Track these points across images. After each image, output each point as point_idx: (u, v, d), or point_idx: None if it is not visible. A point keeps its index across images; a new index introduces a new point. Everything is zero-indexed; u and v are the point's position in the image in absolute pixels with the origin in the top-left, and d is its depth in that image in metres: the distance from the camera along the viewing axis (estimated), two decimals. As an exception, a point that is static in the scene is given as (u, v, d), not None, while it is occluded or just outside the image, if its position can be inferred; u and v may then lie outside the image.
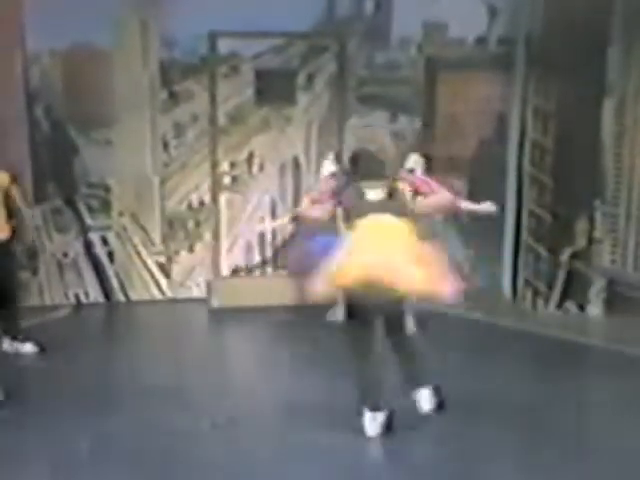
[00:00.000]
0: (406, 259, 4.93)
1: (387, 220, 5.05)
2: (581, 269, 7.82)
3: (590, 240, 7.76)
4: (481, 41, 8.16)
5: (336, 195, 5.32)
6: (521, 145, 7.91)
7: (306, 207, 5.95)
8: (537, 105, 7.65)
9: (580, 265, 7.82)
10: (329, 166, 6.87)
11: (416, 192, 5.37)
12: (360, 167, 5.29)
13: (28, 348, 6.63)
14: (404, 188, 5.28)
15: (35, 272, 7.86)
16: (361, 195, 5.16)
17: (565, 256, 7.84)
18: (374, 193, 5.15)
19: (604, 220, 7.72)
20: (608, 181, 7.62)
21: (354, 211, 5.13)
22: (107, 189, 7.97)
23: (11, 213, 6.38)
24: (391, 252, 4.94)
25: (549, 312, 7.84)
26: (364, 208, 5.10)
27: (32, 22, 7.46)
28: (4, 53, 7.45)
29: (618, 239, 7.75)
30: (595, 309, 7.83)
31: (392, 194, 5.16)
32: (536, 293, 7.97)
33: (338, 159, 6.81)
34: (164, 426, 5.24)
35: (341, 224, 5.34)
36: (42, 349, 6.61)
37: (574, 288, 7.88)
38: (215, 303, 7.95)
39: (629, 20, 7.21)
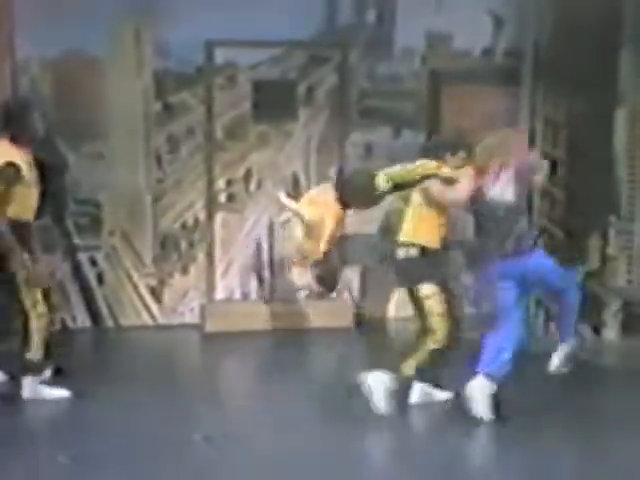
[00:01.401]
0: None
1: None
2: (595, 289, 7.54)
3: (604, 258, 7.50)
4: (487, 52, 7.94)
5: None
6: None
7: None
8: (546, 116, 7.43)
9: (594, 285, 7.54)
10: None
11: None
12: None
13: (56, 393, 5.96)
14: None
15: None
16: None
17: (579, 276, 7.55)
18: None
19: (618, 237, 7.46)
20: (622, 195, 7.38)
21: None
22: (97, 206, 7.55)
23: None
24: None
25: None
26: None
27: (21, 29, 7.07)
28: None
29: (633, 257, 7.50)
30: (611, 332, 7.54)
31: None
32: (548, 315, 7.67)
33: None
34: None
35: None
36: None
37: (588, 310, 7.58)
38: (209, 327, 7.57)
39: None
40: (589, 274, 7.56)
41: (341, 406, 5.67)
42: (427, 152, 5.62)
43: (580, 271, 7.50)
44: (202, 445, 5.02)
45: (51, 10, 6.97)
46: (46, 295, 5.87)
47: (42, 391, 5.80)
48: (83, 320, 7.64)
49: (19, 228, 5.68)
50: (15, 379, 5.90)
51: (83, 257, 7.57)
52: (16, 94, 7.03)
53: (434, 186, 5.44)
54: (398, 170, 5.39)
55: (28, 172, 5.76)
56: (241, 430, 5.30)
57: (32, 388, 5.78)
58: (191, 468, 4.76)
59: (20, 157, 5.75)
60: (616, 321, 7.57)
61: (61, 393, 5.82)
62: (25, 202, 5.74)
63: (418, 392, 5.70)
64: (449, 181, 5.41)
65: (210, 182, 7.69)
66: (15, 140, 5.96)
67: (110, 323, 7.72)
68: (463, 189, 5.38)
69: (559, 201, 7.50)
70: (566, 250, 7.65)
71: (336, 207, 5.40)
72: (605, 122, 7.20)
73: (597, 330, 7.55)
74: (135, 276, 7.73)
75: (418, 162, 5.45)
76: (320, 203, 5.49)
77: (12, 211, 5.66)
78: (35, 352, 5.77)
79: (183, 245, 7.79)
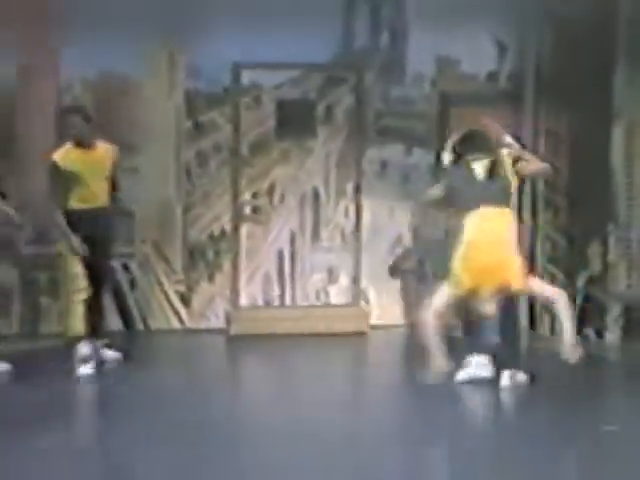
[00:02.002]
0: (512, 256, 5.63)
1: (495, 215, 5.69)
2: (597, 294, 8.02)
3: (605, 264, 7.98)
4: (492, 76, 8.52)
5: None
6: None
7: None
8: (548, 130, 7.99)
9: (596, 290, 8.02)
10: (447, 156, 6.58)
11: (517, 159, 5.97)
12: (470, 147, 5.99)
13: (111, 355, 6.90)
14: (508, 154, 5.93)
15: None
16: (471, 179, 5.84)
17: (581, 282, 8.05)
18: (480, 165, 5.82)
19: (618, 244, 7.96)
20: (620, 204, 7.90)
21: (462, 198, 5.81)
22: (131, 216, 8.10)
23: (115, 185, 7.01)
24: (502, 251, 5.61)
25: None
26: (472, 197, 5.74)
27: (66, 50, 7.70)
28: (40, 81, 7.67)
29: (633, 263, 7.99)
30: (613, 335, 8.00)
31: (494, 167, 5.79)
32: (554, 319, 8.12)
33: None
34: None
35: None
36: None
37: (591, 314, 8.05)
38: (233, 331, 8.06)
39: (633, 46, 7.60)
40: (591, 279, 8.07)
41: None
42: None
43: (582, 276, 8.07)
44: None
45: (94, 34, 7.58)
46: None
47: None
48: (116, 324, 8.15)
49: None
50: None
51: (117, 264, 8.08)
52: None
53: None
54: None
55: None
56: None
57: None
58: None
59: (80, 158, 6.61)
60: (617, 324, 8.04)
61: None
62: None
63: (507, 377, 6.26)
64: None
65: (236, 195, 8.23)
66: (78, 143, 6.70)
67: (141, 326, 8.23)
68: None
69: (562, 209, 8.02)
70: (568, 257, 8.20)
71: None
72: (603, 135, 7.75)
73: (599, 333, 8.03)
74: (165, 282, 8.24)
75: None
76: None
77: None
78: None
79: (210, 254, 8.33)
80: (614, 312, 8.00)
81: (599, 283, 8.02)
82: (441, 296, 5.66)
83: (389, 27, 8.41)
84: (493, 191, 5.75)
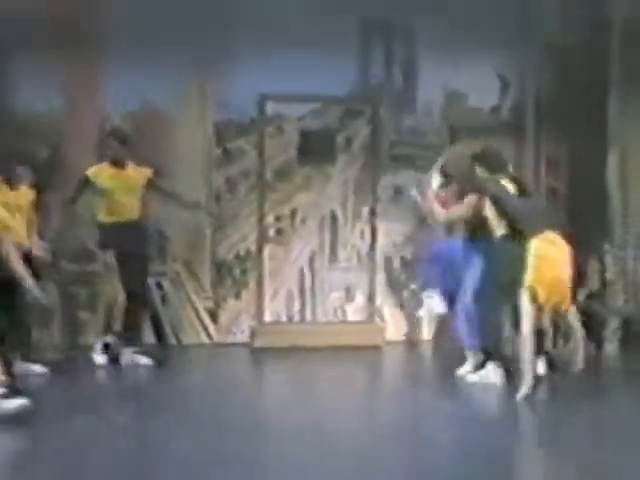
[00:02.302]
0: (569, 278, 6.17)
1: (559, 239, 6.21)
2: (597, 309, 8.63)
3: (603, 281, 8.62)
4: (495, 109, 9.20)
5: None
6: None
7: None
8: (548, 155, 8.69)
9: (596, 305, 8.64)
10: (436, 179, 7.17)
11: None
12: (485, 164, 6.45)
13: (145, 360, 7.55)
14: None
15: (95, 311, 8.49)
16: (510, 195, 6.33)
17: (581, 297, 8.67)
18: (507, 182, 6.38)
19: (615, 262, 8.61)
20: (616, 225, 8.57)
21: (524, 219, 6.26)
22: (164, 237, 8.71)
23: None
24: (565, 271, 6.16)
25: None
26: (538, 219, 6.23)
27: (107, 83, 8.38)
28: (84, 112, 8.34)
29: (629, 279, 8.63)
30: (611, 347, 8.59)
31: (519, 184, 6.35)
32: (556, 332, 8.72)
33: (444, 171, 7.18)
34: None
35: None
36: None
37: (591, 327, 8.65)
38: (257, 344, 8.63)
39: (625, 79, 8.35)
40: (590, 295, 8.69)
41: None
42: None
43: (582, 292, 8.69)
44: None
45: (132, 68, 8.27)
46: None
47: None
48: (149, 338, 8.72)
49: None
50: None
51: (150, 281, 8.67)
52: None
53: None
54: None
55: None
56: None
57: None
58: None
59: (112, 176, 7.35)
60: (615, 337, 8.65)
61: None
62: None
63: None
64: None
65: (261, 218, 8.84)
66: (113, 163, 7.38)
67: (172, 341, 8.80)
68: None
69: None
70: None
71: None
72: (599, 160, 8.47)
73: (599, 345, 8.63)
74: (195, 299, 8.84)
75: None
76: None
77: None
78: None
79: (237, 273, 8.93)
80: (612, 325, 8.62)
81: (598, 298, 8.65)
82: (528, 315, 6.16)
83: (401, 64, 9.10)
84: (549, 210, 6.47)
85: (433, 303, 7.22)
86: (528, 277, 6.11)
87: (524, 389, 6.21)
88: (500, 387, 6.80)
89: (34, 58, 8.21)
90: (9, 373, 5.82)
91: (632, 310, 8.63)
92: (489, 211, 6.56)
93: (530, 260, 6.13)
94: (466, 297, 6.98)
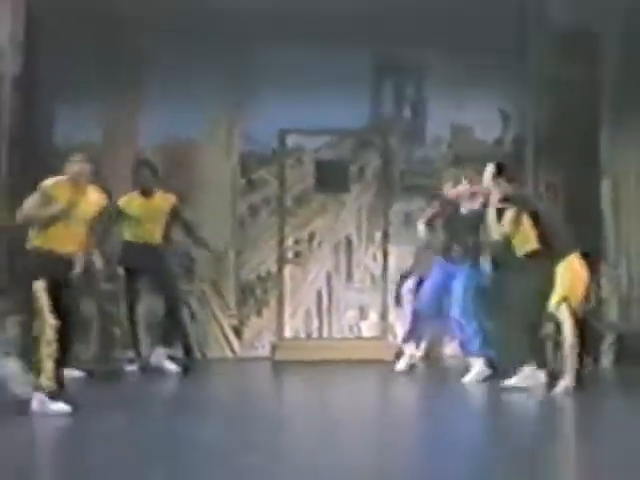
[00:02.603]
0: None
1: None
2: (594, 324, 9.26)
3: (599, 299, 9.26)
4: (498, 141, 9.92)
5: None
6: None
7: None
8: (547, 182, 9.38)
9: (593, 320, 9.27)
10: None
11: None
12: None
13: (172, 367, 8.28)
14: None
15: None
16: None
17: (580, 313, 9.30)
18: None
19: (609, 281, 9.26)
20: (610, 246, 9.23)
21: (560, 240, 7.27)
22: (191, 259, 9.45)
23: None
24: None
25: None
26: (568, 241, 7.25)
27: (142, 119, 9.22)
28: (120, 146, 9.15)
29: (623, 297, 9.27)
30: (607, 360, 9.21)
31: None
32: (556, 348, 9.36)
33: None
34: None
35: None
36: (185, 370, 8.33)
37: (588, 341, 9.27)
38: (277, 357, 9.33)
39: (615, 111, 9.07)
40: (588, 312, 9.32)
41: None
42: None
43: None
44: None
45: (164, 104, 9.10)
46: None
47: None
48: (177, 352, 9.41)
49: None
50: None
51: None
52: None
53: None
54: None
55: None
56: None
57: None
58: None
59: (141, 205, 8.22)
60: (611, 351, 9.27)
61: None
62: None
63: None
64: None
65: (281, 241, 9.59)
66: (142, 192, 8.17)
67: (199, 355, 9.49)
68: None
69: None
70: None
71: None
72: (594, 187, 9.17)
73: (595, 359, 9.24)
74: (220, 316, 9.57)
75: None
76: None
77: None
78: None
79: (259, 292, 9.65)
80: (608, 340, 9.25)
81: (594, 315, 9.28)
82: (570, 324, 7.20)
83: (410, 100, 9.85)
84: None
85: (480, 369, 7.86)
86: (566, 290, 7.15)
87: (564, 384, 7.09)
88: (538, 390, 7.39)
89: (75, 94, 9.04)
90: (59, 381, 6.47)
91: (627, 326, 9.26)
92: (525, 225, 7.37)
93: (567, 275, 7.12)
94: (457, 307, 7.94)
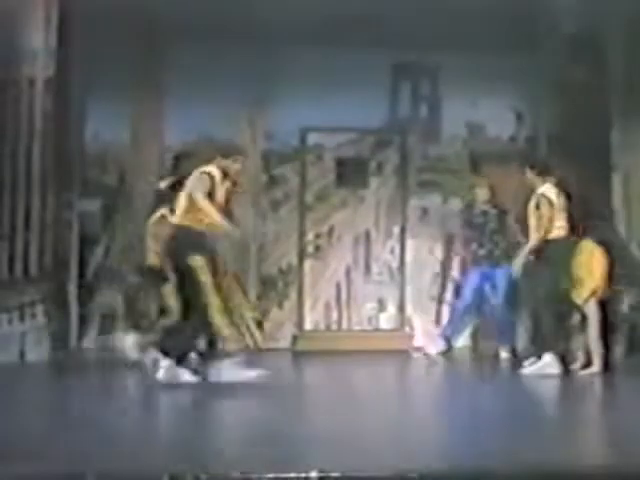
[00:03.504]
0: None
1: None
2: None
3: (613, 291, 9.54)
4: (512, 139, 10.21)
5: None
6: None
7: None
8: (560, 179, 9.67)
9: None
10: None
11: None
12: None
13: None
14: None
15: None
16: None
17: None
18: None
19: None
20: (620, 242, 9.52)
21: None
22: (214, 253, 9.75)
23: None
24: None
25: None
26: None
27: (170, 118, 9.55)
28: (148, 144, 9.48)
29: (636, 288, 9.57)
30: (619, 349, 9.50)
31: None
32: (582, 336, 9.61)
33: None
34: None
35: None
36: None
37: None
38: (298, 347, 9.69)
39: (625, 110, 9.36)
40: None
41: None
42: None
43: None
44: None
45: (189, 103, 9.42)
46: None
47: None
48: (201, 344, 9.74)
49: None
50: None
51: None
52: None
53: None
54: None
55: None
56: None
57: None
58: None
59: None
60: (623, 341, 9.56)
61: None
62: None
63: None
64: None
65: (301, 236, 9.92)
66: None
67: (221, 346, 9.81)
68: None
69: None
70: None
71: None
72: (605, 184, 9.46)
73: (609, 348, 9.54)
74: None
75: None
76: None
77: None
78: None
79: (280, 285, 9.98)
80: (621, 330, 9.54)
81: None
82: (595, 313, 7.80)
83: (427, 99, 10.18)
84: None
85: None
86: (596, 281, 7.77)
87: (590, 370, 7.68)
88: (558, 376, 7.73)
89: (104, 95, 9.37)
90: None
91: (638, 317, 9.56)
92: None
93: (595, 265, 7.71)
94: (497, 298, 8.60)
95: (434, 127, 10.13)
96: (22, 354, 8.62)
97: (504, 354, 9.08)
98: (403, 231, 10.03)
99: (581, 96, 9.53)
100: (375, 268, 10.07)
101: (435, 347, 9.25)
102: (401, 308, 10.04)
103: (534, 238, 7.83)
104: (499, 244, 9.07)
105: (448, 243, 10.01)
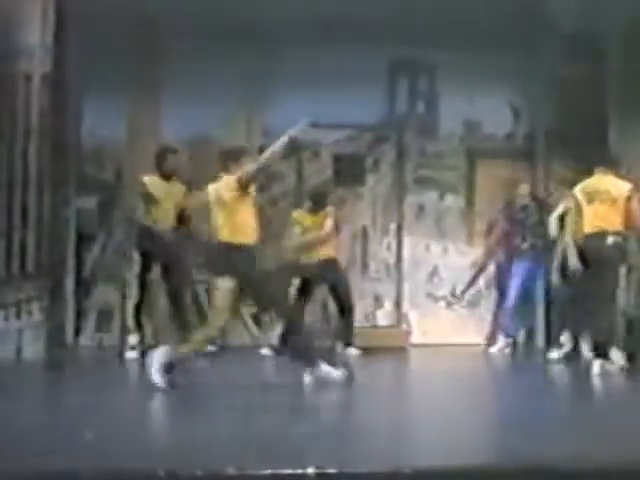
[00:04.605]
0: None
1: None
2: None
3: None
4: (510, 136, 10.23)
5: None
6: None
7: None
8: (558, 175, 9.69)
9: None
10: None
11: None
12: None
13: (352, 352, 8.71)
14: None
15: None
16: None
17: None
18: None
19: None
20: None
21: None
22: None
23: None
24: None
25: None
26: None
27: (166, 115, 9.53)
28: (144, 141, 9.47)
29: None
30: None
31: None
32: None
33: None
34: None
35: None
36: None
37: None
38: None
39: (623, 105, 9.37)
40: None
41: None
42: None
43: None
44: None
45: (186, 100, 9.42)
46: None
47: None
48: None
49: None
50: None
51: (200, 288, 9.75)
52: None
53: None
54: None
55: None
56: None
57: None
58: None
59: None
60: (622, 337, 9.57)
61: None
62: None
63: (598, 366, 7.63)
64: None
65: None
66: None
67: (220, 342, 9.80)
68: None
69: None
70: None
71: None
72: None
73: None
74: (240, 305, 9.88)
75: None
76: None
77: None
78: None
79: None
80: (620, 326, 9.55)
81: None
82: None
83: (424, 96, 10.19)
84: None
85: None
86: None
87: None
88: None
89: (100, 92, 9.36)
90: None
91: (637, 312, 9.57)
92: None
93: None
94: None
95: (431, 124, 10.14)
96: (19, 351, 8.60)
97: (503, 345, 9.24)
98: (400, 228, 10.02)
99: (579, 93, 9.53)
100: (372, 265, 10.07)
101: (498, 344, 9.36)
102: (398, 305, 10.04)
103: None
104: (541, 237, 9.11)
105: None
